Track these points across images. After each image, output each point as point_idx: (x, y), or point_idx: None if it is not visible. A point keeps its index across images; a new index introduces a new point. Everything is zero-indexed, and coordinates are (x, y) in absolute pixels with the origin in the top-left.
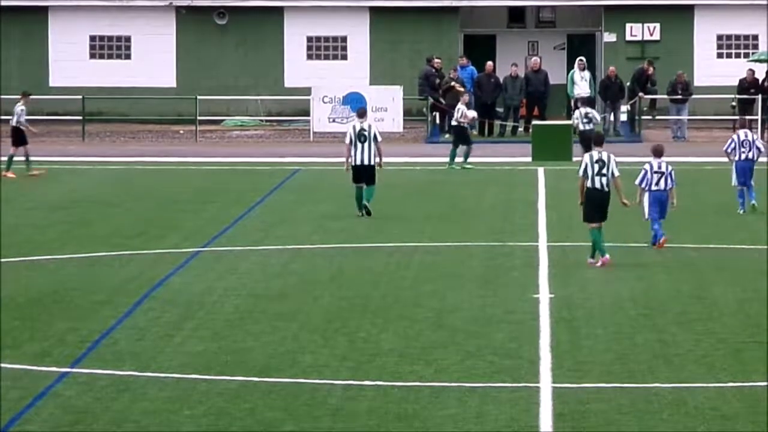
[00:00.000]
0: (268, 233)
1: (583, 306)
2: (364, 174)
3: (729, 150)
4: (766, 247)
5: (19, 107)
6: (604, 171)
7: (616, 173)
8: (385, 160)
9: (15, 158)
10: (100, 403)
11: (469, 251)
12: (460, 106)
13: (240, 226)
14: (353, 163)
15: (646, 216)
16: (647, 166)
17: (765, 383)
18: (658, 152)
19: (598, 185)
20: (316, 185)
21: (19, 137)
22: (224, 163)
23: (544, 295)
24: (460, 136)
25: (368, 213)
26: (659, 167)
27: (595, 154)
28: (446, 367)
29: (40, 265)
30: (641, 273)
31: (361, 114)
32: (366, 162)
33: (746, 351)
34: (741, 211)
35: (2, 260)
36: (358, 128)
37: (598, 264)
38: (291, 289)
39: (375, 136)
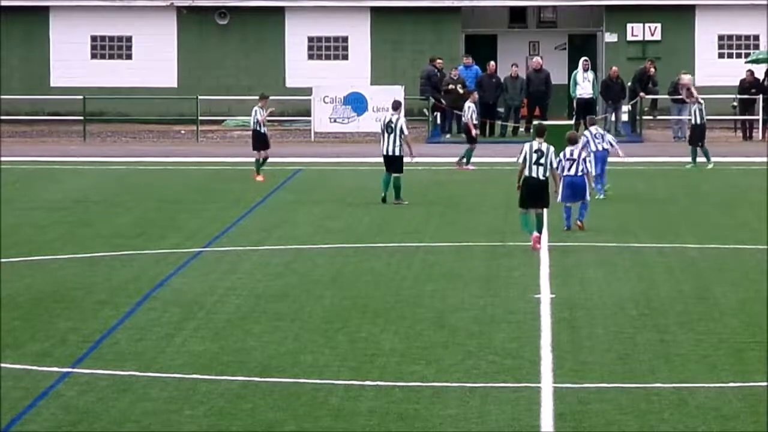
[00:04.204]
0: (269, 233)
1: (583, 306)
2: (390, 163)
3: (583, 145)
4: (766, 247)
5: (257, 109)
6: (542, 161)
7: (554, 164)
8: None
9: (253, 159)
10: (102, 403)
11: (470, 251)
12: (471, 105)
13: (241, 227)
14: (381, 153)
15: (559, 199)
16: (561, 155)
17: (766, 383)
18: (571, 141)
19: (534, 174)
20: (317, 185)
21: (259, 140)
22: (225, 163)
23: (545, 295)
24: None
25: (397, 199)
26: (571, 154)
27: (535, 144)
28: (447, 367)
29: (41, 265)
30: (642, 273)
31: (395, 107)
32: (391, 152)
33: (747, 351)
34: (601, 196)
35: (3, 260)
36: (386, 120)
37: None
38: (292, 289)
39: (401, 128)
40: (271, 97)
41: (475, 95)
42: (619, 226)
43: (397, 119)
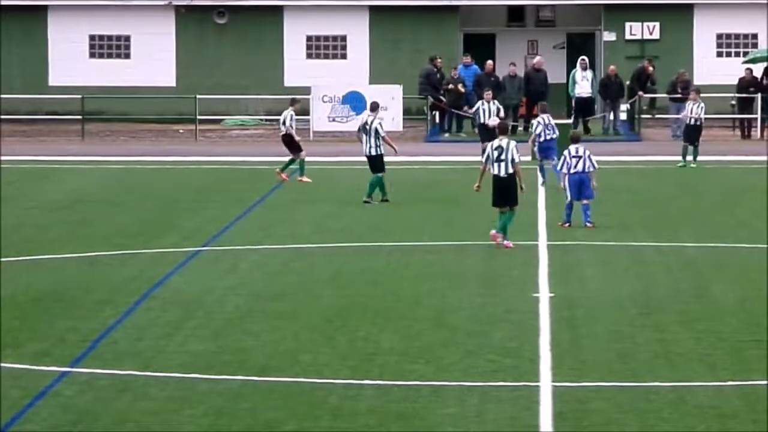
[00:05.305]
0: (268, 233)
1: (583, 305)
2: (369, 163)
3: (537, 132)
4: (766, 246)
5: (287, 114)
6: (503, 157)
7: (516, 159)
8: (384, 158)
9: (287, 158)
10: (101, 402)
11: (469, 250)
12: (480, 104)
13: (240, 226)
14: (363, 154)
15: (569, 197)
16: (566, 152)
17: (765, 382)
18: (575, 139)
19: (495, 171)
20: (315, 184)
21: (292, 144)
22: (224, 163)
23: (544, 294)
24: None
25: (366, 202)
26: (576, 152)
27: (496, 141)
28: (446, 366)
29: (41, 265)
30: (641, 272)
31: (372, 108)
32: (367, 153)
33: (746, 350)
34: (541, 183)
35: (2, 260)
36: (363, 121)
37: (501, 242)
38: (291, 288)
39: (376, 130)
40: (269, 97)
41: (489, 94)
42: (618, 224)
43: (373, 120)
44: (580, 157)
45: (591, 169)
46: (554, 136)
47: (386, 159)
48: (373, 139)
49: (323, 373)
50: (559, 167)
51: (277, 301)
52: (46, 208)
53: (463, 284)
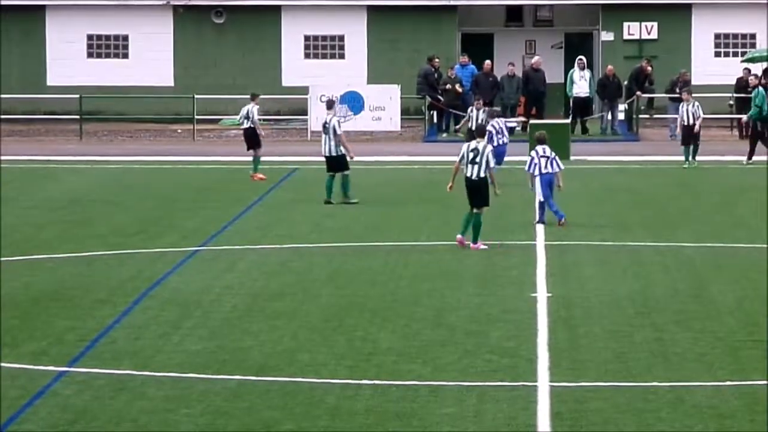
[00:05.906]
0: (266, 232)
1: (581, 305)
2: (330, 164)
3: (489, 138)
4: (764, 245)
5: (252, 108)
6: (477, 160)
7: (492, 164)
8: (382, 158)
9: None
10: (98, 402)
11: (467, 250)
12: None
13: (238, 225)
14: (323, 154)
15: (541, 198)
16: (533, 153)
17: (763, 382)
18: (541, 140)
19: (468, 173)
20: (314, 184)
21: (253, 139)
22: (222, 162)
23: (542, 294)
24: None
25: (347, 202)
26: (544, 152)
27: (473, 143)
28: (444, 365)
29: (39, 264)
30: (639, 271)
31: (328, 106)
32: (328, 153)
33: (744, 350)
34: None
35: (1, 259)
36: (323, 120)
37: (466, 244)
38: (289, 287)
39: (333, 128)
40: (267, 97)
41: (480, 102)
42: (616, 224)
43: (331, 119)
44: (548, 158)
45: (557, 169)
46: (506, 140)
47: (383, 159)
48: (333, 139)
49: (321, 372)
50: (527, 168)
51: (275, 300)
52: (44, 207)
53: (460, 284)
